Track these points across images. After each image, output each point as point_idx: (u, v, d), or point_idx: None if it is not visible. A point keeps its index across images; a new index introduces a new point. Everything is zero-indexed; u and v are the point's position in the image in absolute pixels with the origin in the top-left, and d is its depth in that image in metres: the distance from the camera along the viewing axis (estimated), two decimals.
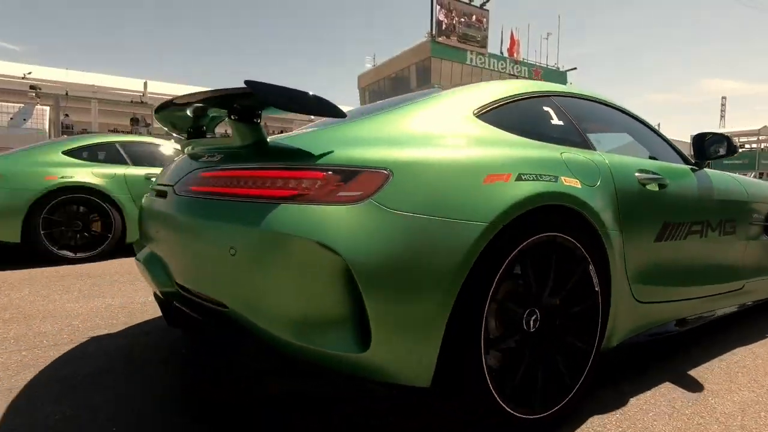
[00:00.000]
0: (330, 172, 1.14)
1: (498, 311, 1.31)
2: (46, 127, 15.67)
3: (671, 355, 2.16)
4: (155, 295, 1.67)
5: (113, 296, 3.04)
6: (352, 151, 1.20)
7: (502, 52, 38.13)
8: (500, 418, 1.28)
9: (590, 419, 1.52)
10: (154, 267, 1.51)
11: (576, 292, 1.47)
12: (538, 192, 1.31)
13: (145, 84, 25.72)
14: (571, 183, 1.44)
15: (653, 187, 1.79)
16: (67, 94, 18.33)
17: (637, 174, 1.76)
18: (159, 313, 2.51)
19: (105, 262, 4.23)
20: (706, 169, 2.23)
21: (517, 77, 38.30)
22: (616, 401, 1.65)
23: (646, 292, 1.73)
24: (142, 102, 21.56)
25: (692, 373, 1.96)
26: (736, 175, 2.54)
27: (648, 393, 1.73)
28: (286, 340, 1.10)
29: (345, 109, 1.55)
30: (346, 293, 1.06)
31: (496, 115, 1.58)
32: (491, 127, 1.52)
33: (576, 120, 1.88)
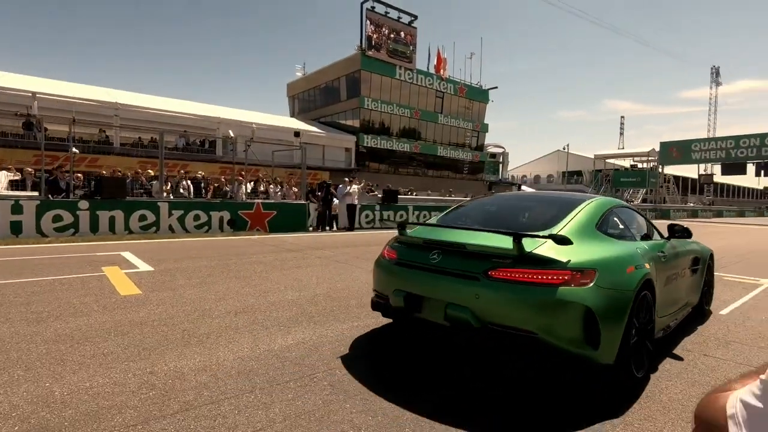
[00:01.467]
0: (577, 272, 2.44)
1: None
2: None
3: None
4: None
5: None
6: (580, 259, 2.50)
7: (429, 69, 39.57)
8: (630, 375, 2.65)
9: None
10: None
11: (650, 313, 2.86)
12: (643, 274, 2.76)
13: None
14: (647, 266, 2.87)
15: (663, 258, 3.26)
16: None
17: (657, 253, 3.21)
18: None
19: None
20: (672, 240, 3.64)
21: (443, 93, 39.99)
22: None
23: (660, 311, 3.07)
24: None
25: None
26: (680, 241, 3.77)
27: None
28: (568, 349, 2.38)
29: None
30: (591, 324, 2.37)
31: (602, 227, 3.01)
32: (602, 235, 2.95)
33: (625, 223, 3.36)
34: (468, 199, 23.28)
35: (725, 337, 3.71)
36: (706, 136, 58.51)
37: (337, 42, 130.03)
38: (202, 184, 12.59)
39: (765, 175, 30.96)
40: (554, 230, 2.72)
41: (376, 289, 3.16)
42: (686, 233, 3.64)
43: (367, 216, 14.89)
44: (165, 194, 11.63)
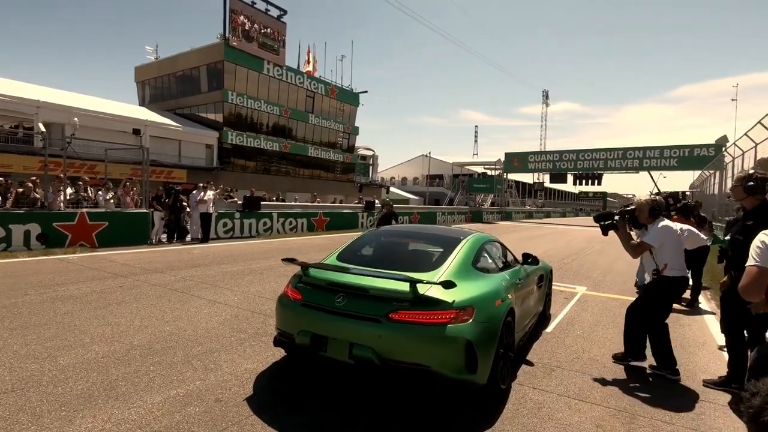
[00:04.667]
0: (460, 310, 2.87)
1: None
2: None
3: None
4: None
5: None
6: (462, 298, 2.94)
7: (299, 67, 38.57)
8: (498, 389, 3.14)
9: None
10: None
11: (512, 334, 3.45)
12: (507, 305, 3.30)
13: None
14: (509, 296, 3.45)
15: (519, 284, 3.90)
16: None
17: (516, 281, 3.82)
18: None
19: None
20: (524, 264, 4.44)
21: (314, 93, 39.39)
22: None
23: (518, 327, 3.65)
24: None
25: None
26: (532, 267, 4.54)
27: None
28: (454, 377, 2.80)
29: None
30: (471, 353, 2.81)
31: (476, 263, 3.54)
32: (477, 272, 3.47)
33: (492, 256, 3.96)
34: (337, 204, 23.08)
35: (549, 362, 4.03)
36: (538, 148, 68.97)
37: (196, 26, 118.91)
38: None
39: (580, 184, 37.69)
40: (441, 271, 3.23)
41: (280, 328, 3.30)
42: (535, 261, 4.52)
43: (225, 225, 13.62)
44: None
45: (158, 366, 3.50)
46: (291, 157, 38.37)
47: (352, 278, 3.10)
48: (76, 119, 19.44)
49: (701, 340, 4.93)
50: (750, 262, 2.25)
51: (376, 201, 25.24)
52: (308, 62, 39.26)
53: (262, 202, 15.84)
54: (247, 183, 29.10)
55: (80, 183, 11.21)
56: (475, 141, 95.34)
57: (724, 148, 22.98)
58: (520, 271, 4.15)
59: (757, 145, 12.87)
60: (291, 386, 3.26)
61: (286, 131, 37.90)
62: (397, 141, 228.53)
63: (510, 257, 4.31)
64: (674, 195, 6.95)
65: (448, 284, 2.89)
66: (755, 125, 12.45)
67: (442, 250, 3.57)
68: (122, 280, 6.66)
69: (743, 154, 15.40)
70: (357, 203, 23.82)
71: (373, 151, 49.87)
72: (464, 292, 2.99)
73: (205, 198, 12.25)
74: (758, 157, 13.12)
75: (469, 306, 2.90)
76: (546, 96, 76.47)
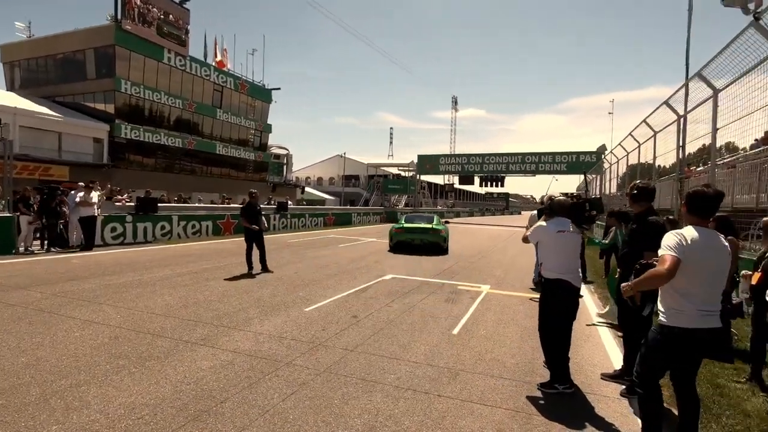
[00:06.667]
0: (442, 230, 14.08)
1: None
2: None
3: None
4: None
5: None
6: (442, 228, 14.36)
7: (205, 59, 36.04)
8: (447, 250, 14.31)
9: None
10: None
11: None
12: (448, 231, 14.91)
13: None
14: (448, 230, 14.73)
15: (447, 228, 14.87)
16: None
17: (446, 226, 14.99)
18: None
19: None
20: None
21: (222, 87, 37.08)
22: None
23: (450, 237, 14.91)
24: None
25: None
26: (445, 225, 15.65)
27: None
28: (443, 245, 13.56)
29: None
30: (445, 240, 14.44)
31: (440, 221, 15.53)
32: (441, 222, 15.72)
33: (441, 219, 16.56)
34: (266, 205, 21.86)
35: (454, 366, 4.08)
36: (449, 151, 72.50)
37: (80, 2, 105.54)
38: None
39: (486, 185, 40.42)
40: (434, 222, 13.73)
41: (393, 241, 13.43)
42: (445, 224, 14.90)
43: (114, 230, 12.12)
44: None
45: (2, 411, 2.87)
46: (197, 154, 35.66)
47: (414, 225, 13.47)
48: None
49: (587, 332, 5.38)
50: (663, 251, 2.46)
51: (289, 202, 24.48)
52: (216, 54, 36.83)
53: (160, 204, 14.43)
54: (145, 182, 26.39)
55: None
56: (391, 142, 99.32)
57: (603, 155, 26.04)
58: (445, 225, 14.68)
59: (628, 153, 14.77)
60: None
61: (192, 126, 35.13)
62: (312, 140, 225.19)
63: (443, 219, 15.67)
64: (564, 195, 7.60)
65: (438, 225, 13.35)
66: (627, 137, 14.22)
67: (430, 216, 14.68)
68: None
69: (618, 161, 17.59)
70: (267, 204, 22.84)
71: (287, 149, 48.46)
72: (441, 227, 13.46)
73: (88, 199, 10.77)
74: (629, 164, 15.11)
75: (443, 230, 13.38)
76: (455, 102, 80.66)
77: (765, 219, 4.06)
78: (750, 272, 3.93)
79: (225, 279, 7.73)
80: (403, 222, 13.94)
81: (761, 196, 6.58)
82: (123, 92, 29.53)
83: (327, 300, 6.42)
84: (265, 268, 8.66)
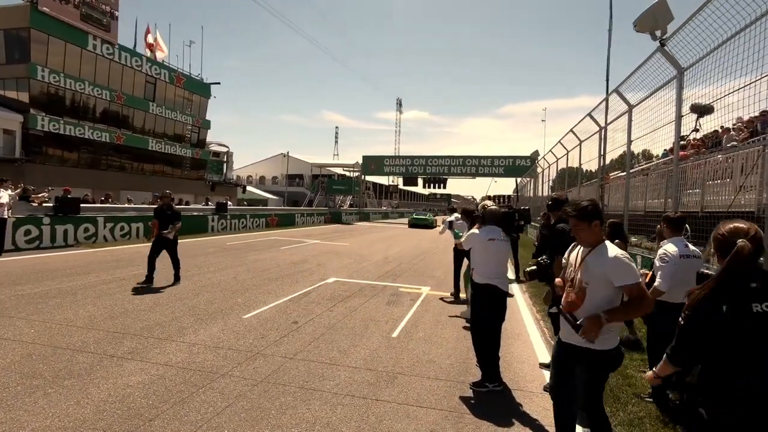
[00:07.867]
0: (434, 219, 38.38)
1: None
2: None
3: None
4: None
5: None
6: (434, 219, 40.71)
7: (136, 48, 33.74)
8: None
9: None
10: None
11: None
12: (433, 220, 34.51)
13: None
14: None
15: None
16: None
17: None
18: None
19: None
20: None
21: (155, 79, 34.92)
22: None
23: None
24: None
25: None
26: (434, 218, 34.45)
27: None
28: (432, 226, 30.99)
29: None
30: (434, 227, 30.64)
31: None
32: (431, 216, 40.84)
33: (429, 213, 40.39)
34: (183, 205, 20.72)
35: (393, 369, 4.19)
36: (393, 152, 73.39)
37: None
38: None
39: (429, 187, 41.58)
40: (429, 216, 34.99)
41: (410, 223, 33.14)
42: (431, 218, 32.71)
43: (28, 233, 11.04)
44: None
45: None
46: (127, 149, 33.27)
47: (420, 216, 34.67)
48: None
49: (516, 331, 5.73)
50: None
51: (229, 202, 23.58)
52: (149, 44, 34.57)
53: (82, 204, 13.33)
54: (67, 178, 24.23)
55: None
56: (336, 142, 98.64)
57: (536, 160, 27.70)
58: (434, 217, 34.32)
59: (558, 159, 15.85)
60: None
61: (121, 120, 32.73)
62: (255, 137, 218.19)
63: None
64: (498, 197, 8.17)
65: (430, 218, 33.63)
66: (557, 144, 15.26)
67: (428, 212, 42.13)
68: None
69: (549, 166, 18.80)
70: (205, 205, 21.86)
71: (227, 147, 46.62)
72: (431, 218, 33.37)
73: None
74: (559, 168, 16.23)
75: (433, 220, 32.64)
76: (399, 104, 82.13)
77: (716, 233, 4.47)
78: (646, 271, 4.38)
79: (157, 286, 7.32)
80: (414, 215, 35.12)
81: (668, 201, 7.39)
82: (39, 80, 26.89)
83: (267, 306, 6.30)
84: (177, 279, 7.67)
